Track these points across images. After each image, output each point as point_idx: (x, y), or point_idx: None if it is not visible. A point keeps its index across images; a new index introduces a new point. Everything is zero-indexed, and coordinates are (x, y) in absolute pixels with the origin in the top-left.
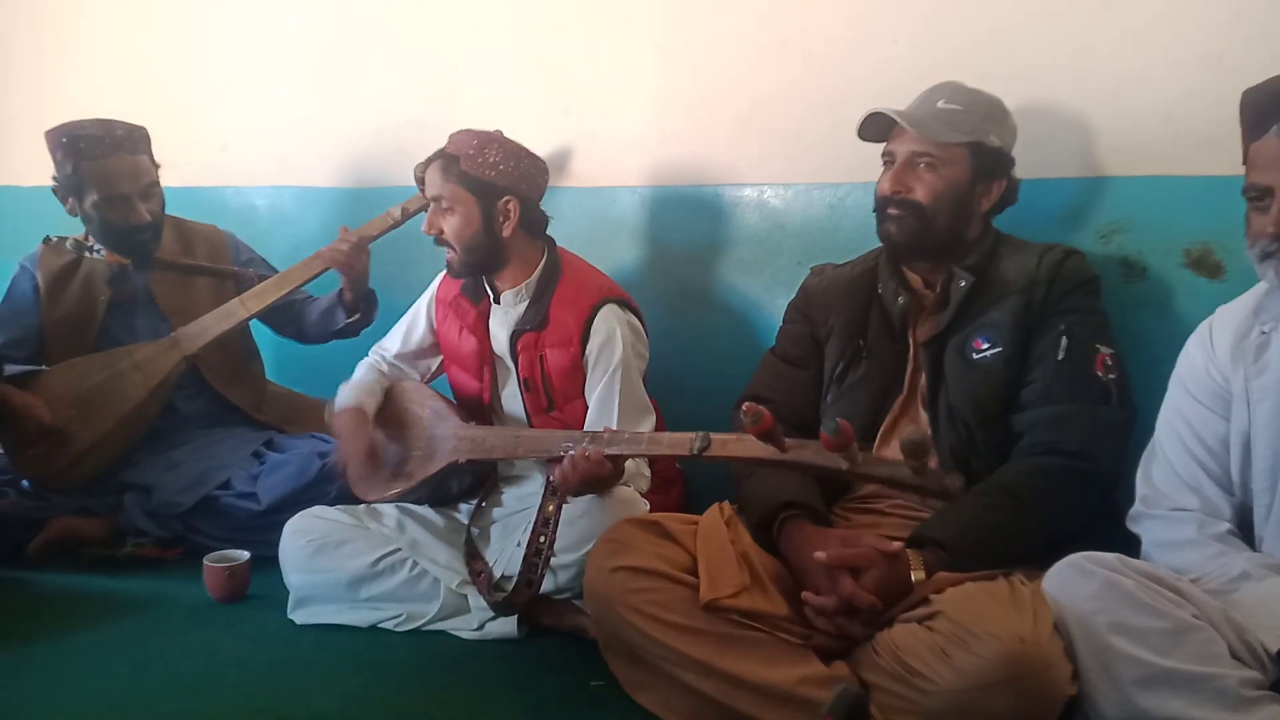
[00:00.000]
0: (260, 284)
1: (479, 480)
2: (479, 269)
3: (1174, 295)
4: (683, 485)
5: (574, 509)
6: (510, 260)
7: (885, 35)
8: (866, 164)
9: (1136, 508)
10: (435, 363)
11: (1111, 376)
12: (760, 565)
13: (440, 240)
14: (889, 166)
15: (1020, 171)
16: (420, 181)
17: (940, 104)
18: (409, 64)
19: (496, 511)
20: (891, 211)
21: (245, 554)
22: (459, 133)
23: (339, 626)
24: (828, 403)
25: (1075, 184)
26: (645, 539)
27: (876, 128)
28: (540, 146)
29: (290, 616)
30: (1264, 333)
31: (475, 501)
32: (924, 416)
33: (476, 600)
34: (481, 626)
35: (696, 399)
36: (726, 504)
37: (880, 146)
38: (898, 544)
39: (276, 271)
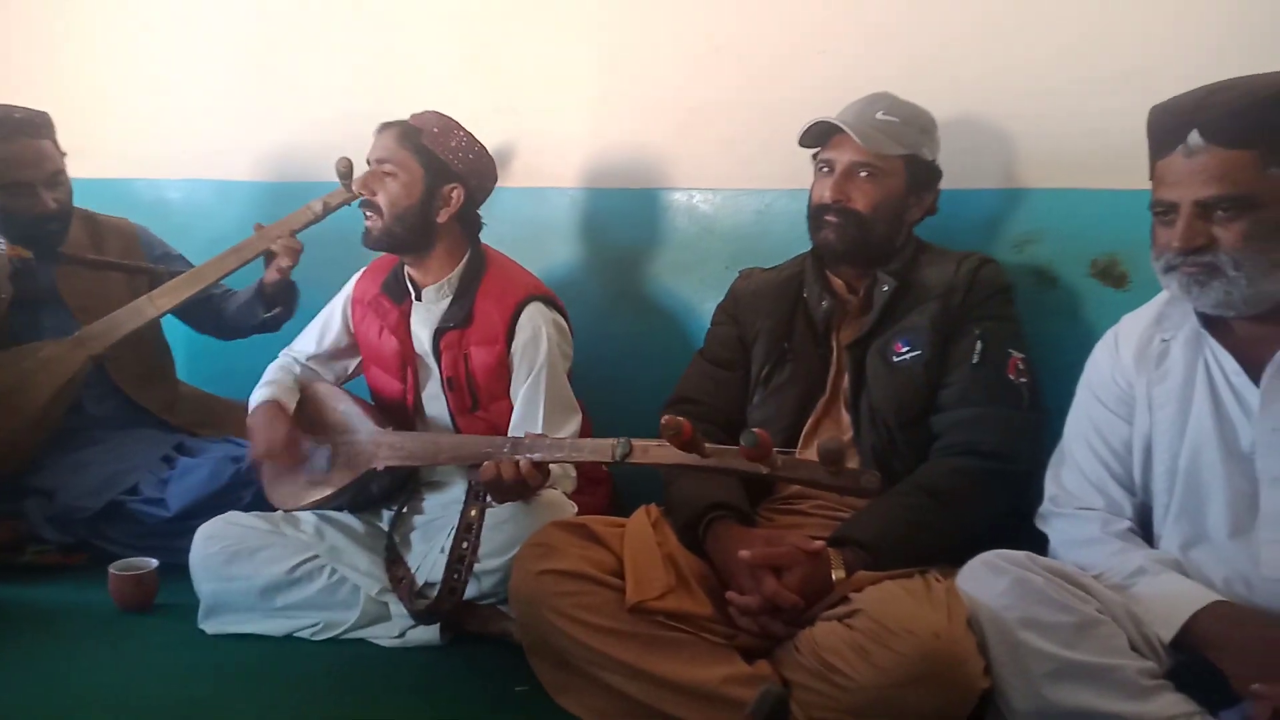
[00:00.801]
0: (172, 280)
1: (399, 484)
2: (398, 244)
3: (1082, 303)
4: (609, 486)
5: (498, 514)
6: (434, 249)
7: (816, 47)
8: (794, 171)
9: (1045, 506)
10: (352, 364)
11: (1024, 380)
12: (686, 566)
13: (368, 204)
14: (826, 174)
15: (943, 182)
16: (344, 176)
17: (879, 115)
18: (338, 57)
19: (418, 518)
20: (830, 219)
21: (153, 561)
22: (425, 111)
23: (253, 636)
24: (754, 404)
25: (993, 195)
26: (572, 542)
27: (814, 134)
28: None
29: (201, 626)
30: (1165, 341)
31: (396, 508)
32: (846, 418)
33: (397, 607)
34: (402, 634)
35: (627, 399)
36: (654, 506)
37: (808, 153)
38: (819, 543)
39: (192, 267)
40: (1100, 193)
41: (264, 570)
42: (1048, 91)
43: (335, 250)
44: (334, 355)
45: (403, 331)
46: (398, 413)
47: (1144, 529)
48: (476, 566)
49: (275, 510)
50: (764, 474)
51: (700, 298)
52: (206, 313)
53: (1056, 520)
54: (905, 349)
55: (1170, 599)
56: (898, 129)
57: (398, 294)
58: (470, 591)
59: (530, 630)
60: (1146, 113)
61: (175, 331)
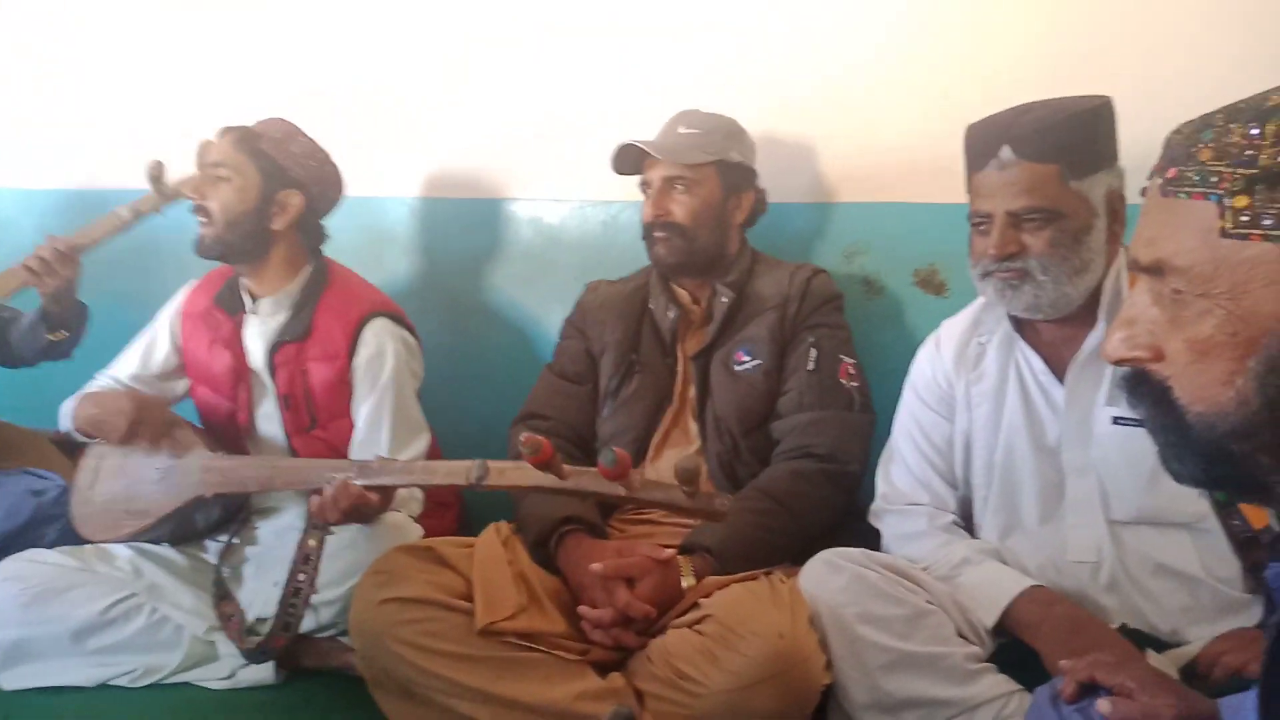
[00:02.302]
0: None
1: (229, 514)
2: (231, 252)
3: (905, 310)
4: (458, 509)
5: (337, 540)
6: (270, 258)
7: (645, 66)
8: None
9: (877, 504)
10: (181, 386)
11: (854, 384)
12: (538, 584)
13: (200, 209)
14: (648, 194)
15: (773, 195)
16: (155, 180)
17: (681, 130)
18: (145, 57)
19: (250, 549)
20: (658, 235)
21: None
22: (270, 118)
23: (60, 688)
24: (604, 417)
25: (822, 208)
26: (417, 567)
27: (631, 160)
28: None
29: None
30: (981, 344)
31: (225, 538)
32: (693, 427)
33: (227, 647)
34: (233, 674)
35: (472, 415)
36: (504, 524)
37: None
38: (670, 551)
39: None
40: (919, 206)
41: (74, 612)
42: (869, 110)
43: (157, 260)
44: (162, 375)
45: (236, 345)
46: (228, 435)
47: (966, 520)
48: (314, 598)
49: (84, 545)
50: (622, 496)
51: (547, 310)
52: None
53: (887, 516)
54: (746, 358)
55: (990, 587)
56: (700, 139)
57: (232, 305)
58: (307, 624)
59: (373, 662)
60: (959, 129)
61: None
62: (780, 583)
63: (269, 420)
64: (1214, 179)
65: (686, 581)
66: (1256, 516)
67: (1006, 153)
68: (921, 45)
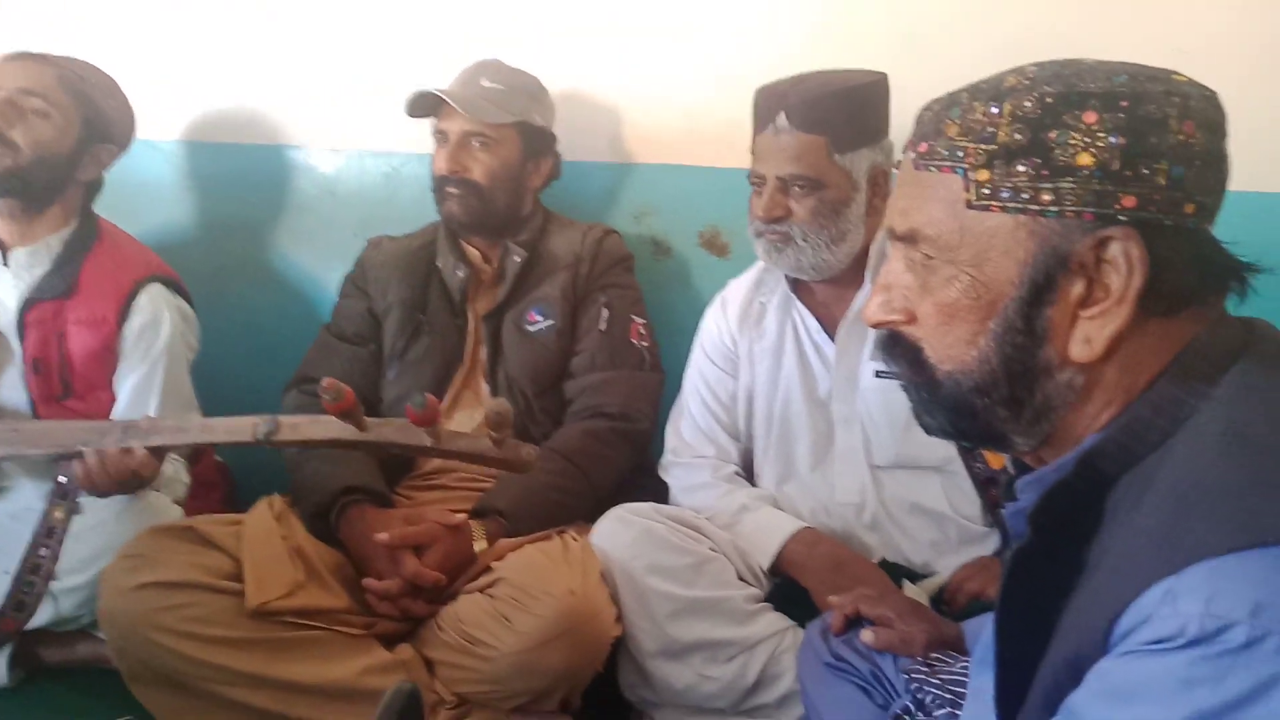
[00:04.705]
0: None
1: None
2: (20, 192)
3: (692, 271)
4: (225, 488)
5: (83, 521)
6: (50, 206)
7: (437, 15)
8: (423, 135)
9: (666, 457)
10: None
11: (645, 344)
12: (317, 558)
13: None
14: (443, 145)
15: (566, 154)
16: None
17: (484, 83)
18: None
19: None
20: (451, 190)
21: None
22: (73, 59)
23: None
24: (390, 379)
25: (612, 168)
26: (176, 548)
27: (425, 104)
28: None
29: None
30: (763, 303)
31: None
32: (485, 388)
33: None
34: None
35: (241, 382)
36: (278, 497)
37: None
38: (460, 516)
39: None
40: (704, 169)
41: None
42: (660, 74)
43: None
44: None
45: None
46: None
47: (748, 470)
48: (54, 585)
49: None
50: (428, 448)
51: (326, 268)
52: None
53: (675, 469)
54: (539, 318)
55: (766, 531)
56: (504, 96)
57: None
58: (46, 615)
59: (129, 654)
60: (738, 97)
61: None
62: (573, 541)
63: (13, 388)
64: (960, 153)
65: (478, 545)
66: (995, 460)
67: (782, 119)
68: (710, 11)
